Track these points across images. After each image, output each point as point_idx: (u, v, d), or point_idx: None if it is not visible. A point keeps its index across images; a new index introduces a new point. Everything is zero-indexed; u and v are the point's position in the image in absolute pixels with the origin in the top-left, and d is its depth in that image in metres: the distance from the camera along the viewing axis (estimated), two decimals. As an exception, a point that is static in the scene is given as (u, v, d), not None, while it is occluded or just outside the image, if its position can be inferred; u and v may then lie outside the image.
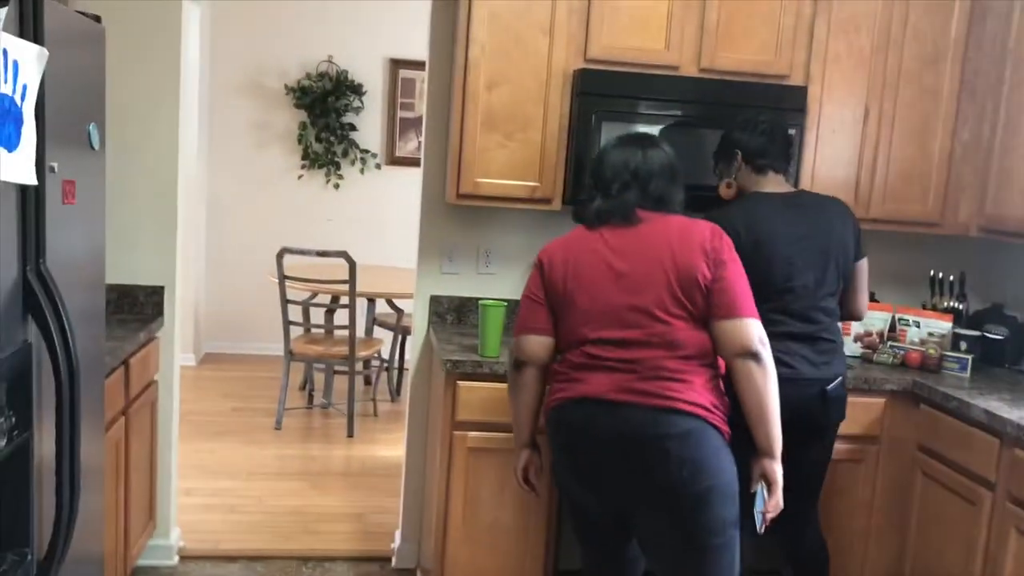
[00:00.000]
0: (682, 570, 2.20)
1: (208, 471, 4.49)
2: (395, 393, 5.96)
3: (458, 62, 3.04)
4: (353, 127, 6.77)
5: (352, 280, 4.98)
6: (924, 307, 3.39)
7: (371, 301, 5.75)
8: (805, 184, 3.15)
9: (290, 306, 5.21)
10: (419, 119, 6.71)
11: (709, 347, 2.18)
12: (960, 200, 3.24)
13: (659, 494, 2.13)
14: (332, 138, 6.73)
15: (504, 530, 2.89)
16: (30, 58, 1.62)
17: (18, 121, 1.59)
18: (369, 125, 6.83)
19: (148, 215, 3.25)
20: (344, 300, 5.25)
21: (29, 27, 1.68)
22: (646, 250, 2.21)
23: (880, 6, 3.13)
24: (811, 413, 2.64)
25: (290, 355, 5.22)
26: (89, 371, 1.97)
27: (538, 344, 2.33)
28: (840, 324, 2.76)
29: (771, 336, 2.55)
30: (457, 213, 3.35)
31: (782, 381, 2.54)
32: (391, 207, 6.74)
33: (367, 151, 6.82)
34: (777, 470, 2.21)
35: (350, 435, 5.18)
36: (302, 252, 5.06)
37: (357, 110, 6.77)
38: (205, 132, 6.57)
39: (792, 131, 3.01)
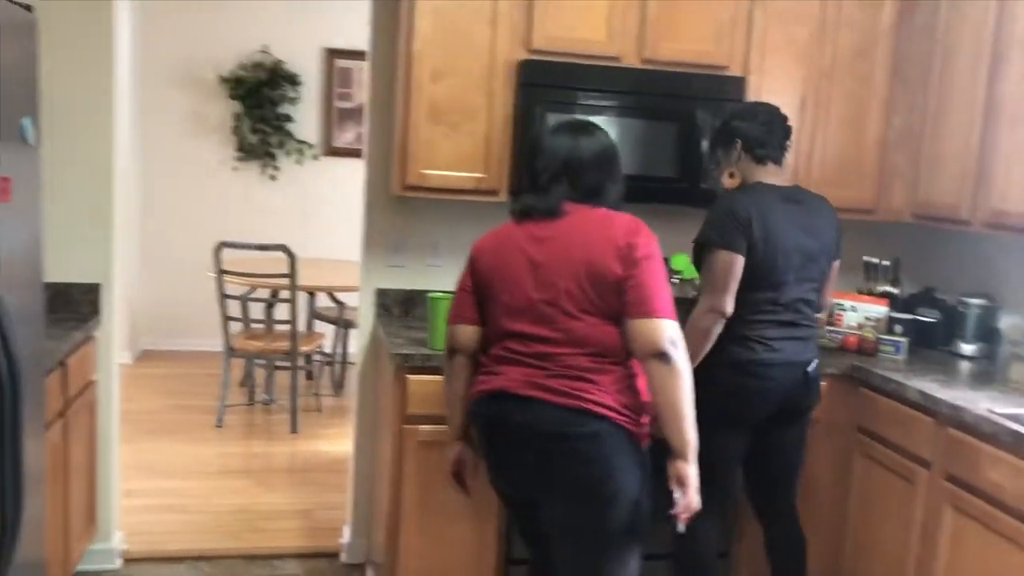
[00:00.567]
0: (578, 568, 2.21)
1: (149, 471, 4.39)
2: (338, 387, 5.91)
3: (401, 54, 3.02)
4: (289, 118, 6.67)
5: (292, 274, 4.92)
6: (860, 292, 3.48)
7: (312, 295, 5.69)
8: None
9: (229, 301, 5.11)
10: (357, 109, 6.65)
11: (620, 345, 2.15)
12: (894, 186, 3.34)
13: (561, 491, 2.16)
14: (268, 129, 6.63)
15: (456, 521, 2.89)
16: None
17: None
18: (305, 116, 6.74)
19: (83, 211, 3.16)
20: (284, 294, 5.18)
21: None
22: (563, 245, 2.19)
23: (815, -2, 3.20)
24: (797, 394, 2.74)
25: (230, 351, 5.13)
26: (29, 372, 1.92)
27: (467, 333, 2.34)
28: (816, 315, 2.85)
29: (761, 324, 2.64)
30: (403, 205, 3.33)
31: (772, 365, 2.65)
32: (330, 199, 6.67)
33: (304, 142, 6.73)
34: (690, 472, 2.16)
35: (293, 431, 5.12)
36: (240, 246, 4.98)
37: (293, 100, 6.67)
38: (137, 124, 6.40)
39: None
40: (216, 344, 5.36)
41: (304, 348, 5.21)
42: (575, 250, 2.17)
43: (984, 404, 2.59)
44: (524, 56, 3.02)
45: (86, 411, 3.10)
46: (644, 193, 3.19)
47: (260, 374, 5.75)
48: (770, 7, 3.17)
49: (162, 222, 6.62)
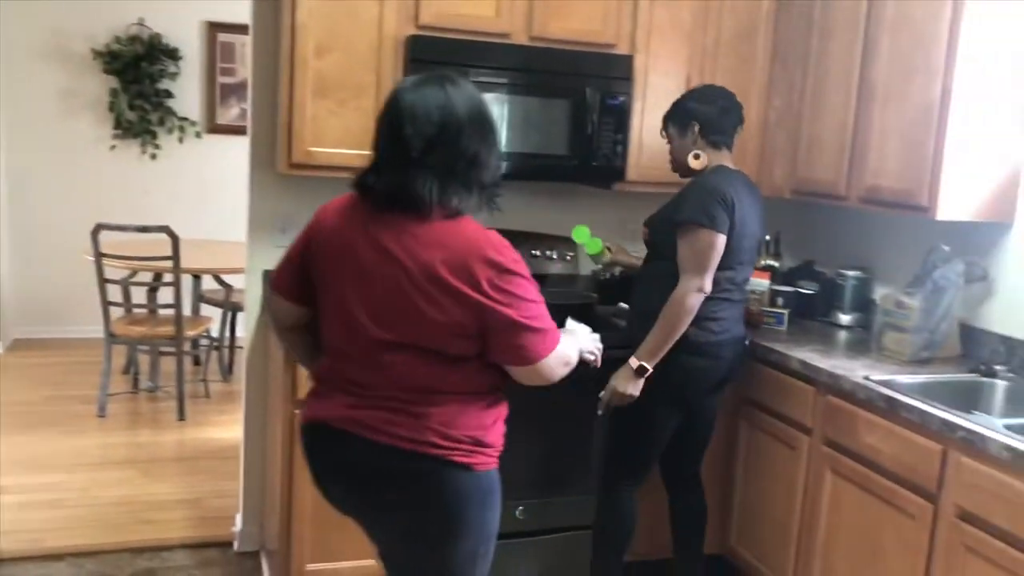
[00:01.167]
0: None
1: (24, 466, 4.19)
2: (227, 372, 5.74)
3: (284, 27, 2.93)
4: (169, 94, 6.42)
5: (176, 256, 4.74)
6: (744, 266, 3.59)
7: (196, 277, 5.52)
8: (633, 151, 3.25)
9: (109, 285, 4.91)
10: (240, 85, 6.45)
11: (474, 383, 1.87)
12: (775, 164, 3.44)
13: (390, 532, 1.97)
14: (147, 106, 6.37)
15: (351, 505, 2.86)
16: None
17: None
18: (187, 92, 6.50)
19: (-58, 192, 2.96)
20: (168, 277, 5.00)
21: None
22: (413, 266, 1.76)
23: (699, -22, 3.25)
24: (736, 368, 2.88)
25: (111, 337, 4.93)
26: None
27: (284, 310, 2.01)
28: None
29: (720, 302, 2.73)
30: (289, 183, 3.25)
31: (725, 344, 2.75)
32: (213, 177, 6.45)
33: (185, 119, 6.49)
34: (586, 335, 2.14)
35: (181, 418, 4.96)
36: (120, 228, 4.77)
37: (173, 76, 6.42)
38: (2, 101, 6.05)
39: (621, 99, 3.12)
40: (96, 331, 5.13)
41: (190, 332, 5.04)
42: (429, 277, 1.76)
43: (860, 372, 2.71)
44: (412, 31, 2.97)
45: (-48, 405, 2.92)
46: (536, 171, 3.21)
47: (144, 360, 5.54)
48: (656, -13, 3.21)
49: (34, 205, 6.28)
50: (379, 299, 1.80)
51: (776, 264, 3.60)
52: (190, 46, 6.47)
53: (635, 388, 2.68)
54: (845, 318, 3.41)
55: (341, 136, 2.95)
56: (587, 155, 3.17)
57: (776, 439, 3.01)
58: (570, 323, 2.19)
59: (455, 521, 1.88)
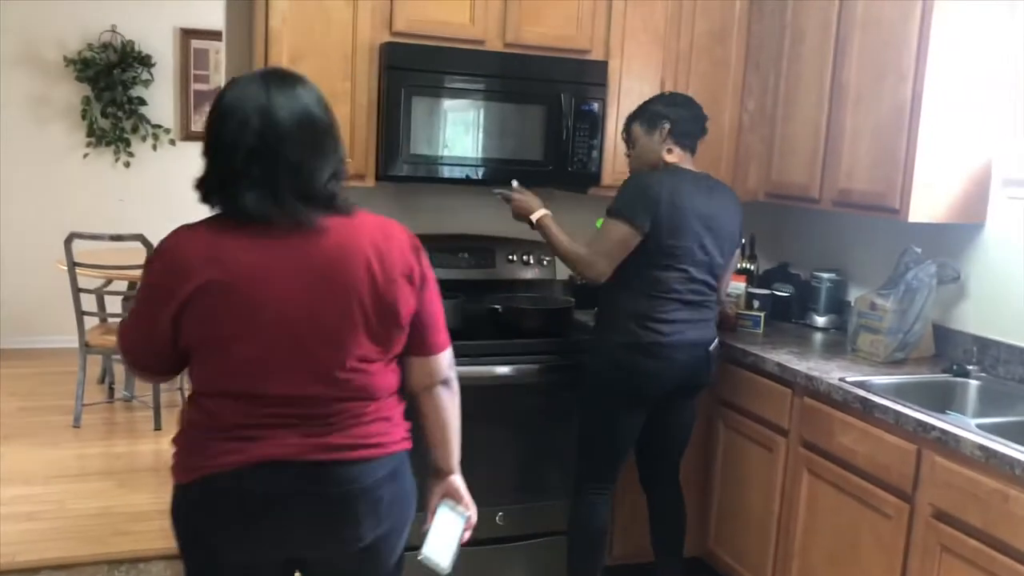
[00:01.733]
0: None
1: (-1, 478, 4.15)
2: (204, 380, 5.70)
3: (258, 34, 2.92)
4: (143, 101, 6.38)
5: (151, 265, 4.70)
6: (720, 269, 3.60)
7: (173, 286, 5.46)
8: (608, 156, 3.26)
9: (83, 295, 4.86)
10: (215, 92, 6.39)
11: (401, 382, 1.86)
12: (749, 168, 3.46)
13: (359, 549, 1.81)
14: (120, 113, 6.32)
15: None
16: None
17: None
18: (160, 99, 6.45)
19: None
20: (143, 286, 4.95)
21: None
22: (338, 276, 1.67)
23: (672, -17, 3.27)
24: (698, 372, 2.83)
25: (86, 347, 4.88)
26: None
27: (156, 378, 1.91)
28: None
29: (669, 302, 2.72)
30: (264, 192, 3.23)
31: (676, 347, 2.73)
32: (188, 185, 6.23)
33: (159, 126, 6.45)
34: (463, 485, 1.99)
35: (157, 428, 4.91)
36: (93, 237, 4.73)
37: (146, 83, 6.38)
38: (-29, 109, 5.99)
39: (596, 104, 3.13)
40: (70, 340, 5.08)
41: (166, 342, 5.00)
42: (356, 278, 1.68)
43: (836, 373, 2.73)
44: (387, 38, 2.97)
45: (-76, 418, 2.88)
46: (512, 176, 3.20)
47: (120, 370, 5.49)
48: (629, -8, 3.22)
49: (6, 214, 6.21)
50: (345, 312, 1.69)
51: (751, 267, 3.62)
52: (163, 53, 6.43)
53: (521, 208, 2.86)
54: (820, 320, 3.43)
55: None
56: (562, 160, 3.17)
57: (753, 441, 3.03)
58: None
59: (413, 502, 1.89)
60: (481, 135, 3.10)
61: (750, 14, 3.39)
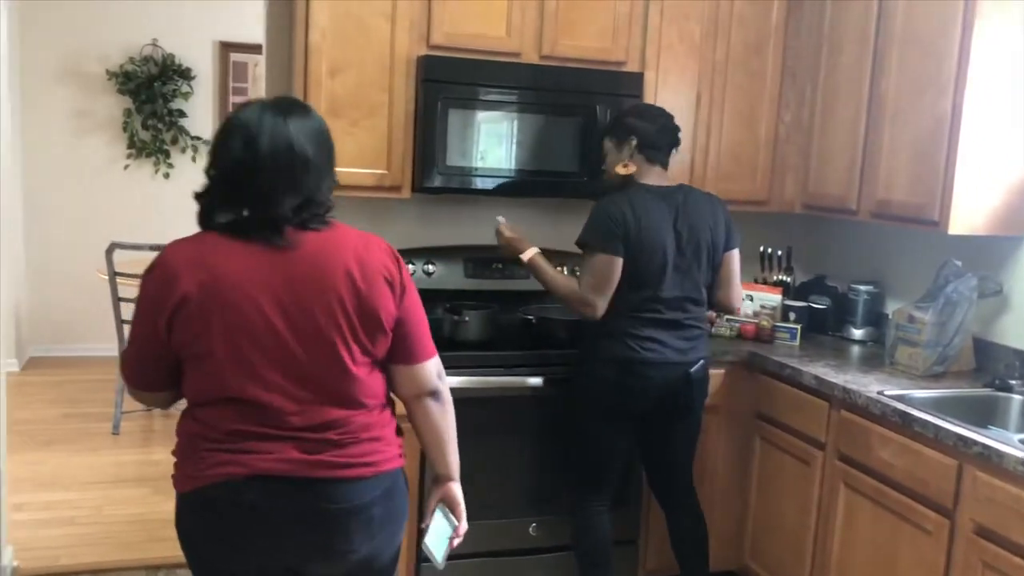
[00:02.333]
0: None
1: (40, 483, 4.21)
2: (240, 389, 5.76)
3: (298, 48, 2.96)
4: (182, 113, 6.47)
5: (190, 274, 4.76)
6: (756, 281, 3.59)
7: (210, 295, 5.53)
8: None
9: (123, 304, 4.93)
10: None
11: (387, 390, 1.91)
12: (786, 179, 3.45)
13: (351, 565, 1.84)
14: (160, 125, 6.42)
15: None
16: None
17: None
18: (200, 111, 6.55)
19: (-39, 213, 2.99)
20: (182, 295, 5.01)
21: None
22: (317, 284, 1.73)
23: (708, -5, 3.27)
24: (676, 394, 2.79)
25: (125, 355, 4.95)
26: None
27: (159, 400, 1.91)
28: (706, 312, 2.89)
29: (643, 322, 2.70)
30: (302, 203, 3.27)
31: (651, 364, 2.70)
32: (227, 197, 6.48)
33: (198, 138, 6.53)
34: (460, 491, 2.02)
35: (194, 435, 4.97)
36: (134, 246, 4.80)
37: (186, 95, 6.47)
38: (18, 123, 6.11)
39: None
40: (110, 349, 5.16)
41: (204, 350, 5.05)
42: (338, 286, 1.74)
43: (874, 387, 2.71)
44: (424, 52, 3.00)
45: (-30, 423, 2.94)
46: (546, 188, 3.23)
47: (158, 378, 5.56)
48: (665, 5, 3.23)
49: (49, 224, 6.33)
50: (330, 318, 1.74)
51: (788, 279, 3.60)
52: (203, 66, 6.53)
53: (511, 247, 2.92)
54: (858, 333, 3.40)
55: (354, 155, 2.97)
56: (597, 172, 3.17)
57: (789, 454, 3.00)
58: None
59: (404, 520, 1.93)
60: (516, 147, 3.12)
61: (787, 26, 3.38)
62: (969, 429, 2.32)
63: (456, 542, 2.02)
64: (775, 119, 3.42)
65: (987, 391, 2.77)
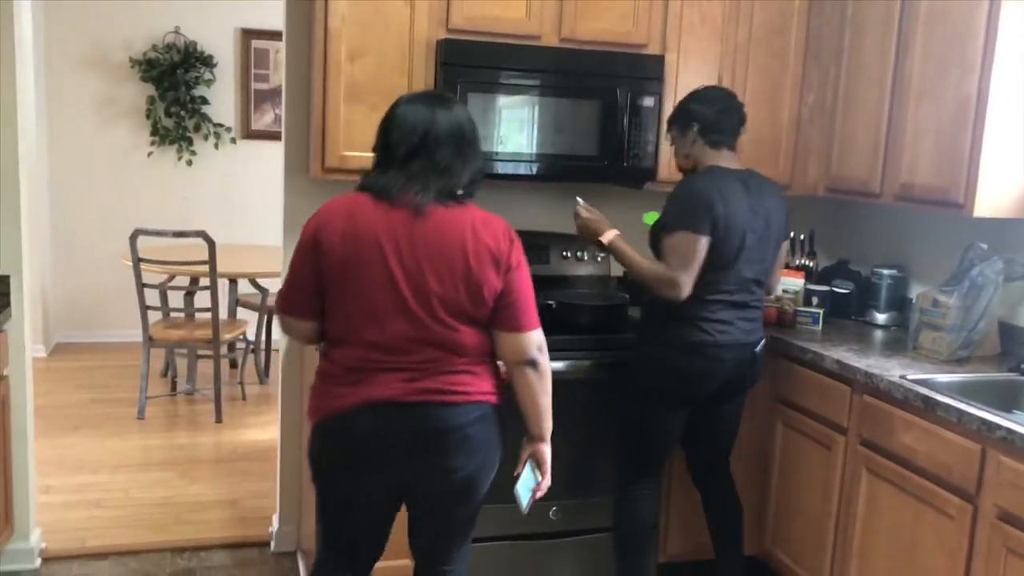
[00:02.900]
0: (449, 529, 2.26)
1: (68, 467, 4.27)
2: (263, 375, 5.82)
3: (317, 33, 2.96)
4: (205, 100, 6.51)
5: (212, 260, 4.81)
6: (778, 265, 3.56)
7: (233, 281, 5.58)
8: (664, 151, 3.24)
9: (147, 290, 4.99)
10: (275, 91, 6.52)
11: (491, 350, 2.16)
12: (808, 162, 3.42)
13: (452, 478, 2.12)
14: (183, 112, 6.45)
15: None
16: None
17: None
18: (222, 98, 6.58)
19: (-13, 200, 3.03)
20: (204, 281, 5.06)
21: None
22: (436, 250, 2.04)
23: (730, -24, 3.24)
24: (743, 372, 2.82)
25: (150, 341, 5.01)
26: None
27: (304, 330, 2.19)
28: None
29: (715, 305, 2.71)
30: (323, 188, 3.28)
31: (724, 347, 2.71)
32: (249, 183, 6.54)
33: (221, 125, 6.58)
34: (549, 452, 2.27)
35: (218, 420, 5.03)
36: (157, 233, 4.85)
37: (208, 83, 6.50)
38: (43, 110, 6.17)
39: (652, 99, 3.12)
40: (135, 335, 5.22)
41: (227, 336, 5.11)
42: (452, 255, 2.04)
43: (897, 371, 2.69)
44: (443, 35, 2.99)
45: (-2, 407, 2.99)
46: (567, 172, 3.22)
47: (182, 364, 5.63)
48: (686, -14, 3.20)
49: (74, 211, 6.40)
50: (440, 279, 2.04)
51: (810, 263, 3.57)
52: (225, 53, 6.56)
53: (589, 229, 2.85)
54: (881, 317, 3.37)
55: (372, 140, 2.96)
56: (618, 156, 3.17)
57: (811, 439, 2.99)
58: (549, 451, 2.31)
59: (499, 450, 2.19)
60: (536, 131, 3.11)
61: (809, 7, 3.34)
62: (993, 413, 2.29)
63: (539, 494, 2.29)
64: (798, 101, 3.38)
65: (1012, 376, 2.74)
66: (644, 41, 3.19)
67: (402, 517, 2.30)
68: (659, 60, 3.18)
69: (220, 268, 4.88)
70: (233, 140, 6.63)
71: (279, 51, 6.44)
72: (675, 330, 2.73)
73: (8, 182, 3.05)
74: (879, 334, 3.27)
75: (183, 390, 5.54)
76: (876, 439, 2.68)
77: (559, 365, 2.93)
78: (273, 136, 6.42)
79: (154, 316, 5.07)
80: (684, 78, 3.24)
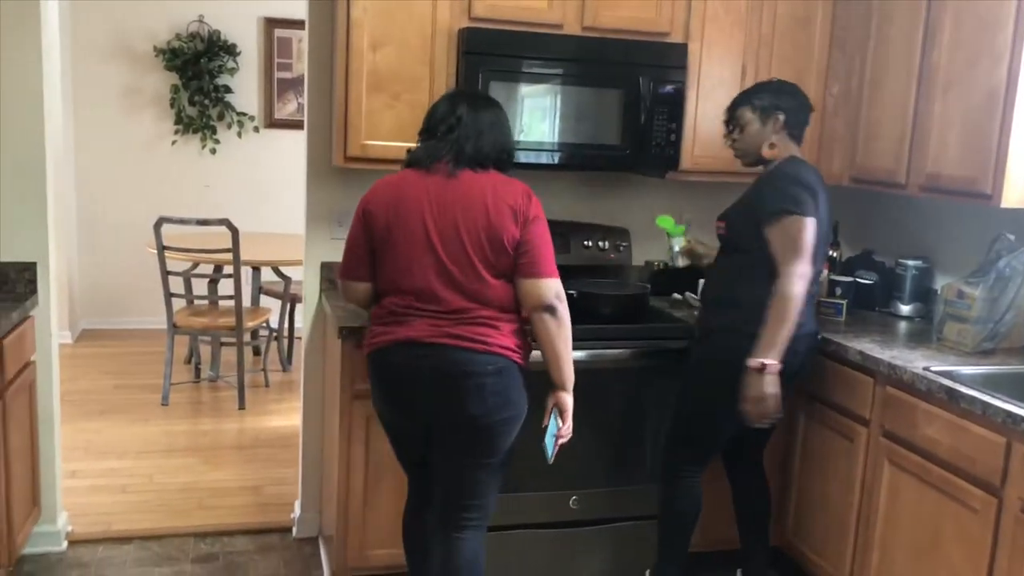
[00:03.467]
0: (462, 477, 2.45)
1: (93, 452, 4.33)
2: (286, 362, 5.86)
3: (340, 22, 2.97)
4: (228, 89, 6.54)
5: (236, 248, 4.84)
6: (801, 256, 3.53)
7: (256, 269, 5.62)
8: (687, 140, 3.23)
9: (171, 277, 5.03)
10: (297, 80, 6.54)
11: (513, 300, 2.38)
12: (833, 152, 3.39)
13: (466, 420, 2.35)
14: (206, 101, 6.49)
15: (405, 495, 2.89)
16: None
17: None
18: (245, 87, 6.61)
19: (15, 189, 3.06)
20: (228, 269, 5.10)
21: None
22: (462, 206, 2.33)
23: (754, -36, 3.21)
24: (807, 362, 2.86)
25: (174, 328, 5.05)
26: (-37, 355, 1.86)
27: (361, 291, 2.50)
28: None
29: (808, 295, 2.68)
30: (345, 176, 3.29)
31: (800, 337, 2.68)
32: (272, 171, 6.57)
33: (244, 114, 6.61)
34: (570, 400, 2.44)
35: (241, 407, 5.07)
36: (181, 221, 4.89)
37: (232, 71, 6.54)
38: (70, 99, 6.23)
39: (675, 88, 3.11)
40: (159, 321, 5.27)
41: (250, 323, 5.14)
42: (475, 210, 2.33)
43: (921, 363, 2.66)
44: (466, 24, 2.99)
45: (25, 392, 3.03)
46: (589, 161, 3.21)
47: (205, 351, 5.68)
48: (710, -26, 3.17)
49: (99, 199, 6.47)
50: (468, 232, 2.32)
51: (834, 254, 3.55)
52: (248, 42, 6.58)
53: (770, 386, 2.61)
54: (905, 308, 3.34)
55: (395, 129, 2.98)
56: (640, 145, 3.15)
57: (833, 431, 2.98)
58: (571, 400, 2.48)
59: (518, 408, 2.39)
60: (558, 119, 3.10)
61: (835, -5, 3.31)
62: (1018, 406, 2.27)
63: (561, 442, 2.46)
64: (822, 91, 3.35)
65: (1038, 368, 2.71)
66: (667, 29, 3.17)
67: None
68: (682, 49, 3.16)
69: (243, 256, 4.91)
70: (256, 129, 6.66)
71: (302, 40, 6.44)
72: (759, 320, 2.64)
73: (34, 170, 3.08)
74: (903, 325, 3.24)
75: (206, 377, 5.59)
76: (899, 431, 2.66)
77: (580, 355, 2.93)
78: (296, 125, 6.45)
79: (178, 303, 5.11)
80: (707, 67, 3.22)
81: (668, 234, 3.23)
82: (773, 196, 2.68)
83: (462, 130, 2.39)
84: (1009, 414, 2.25)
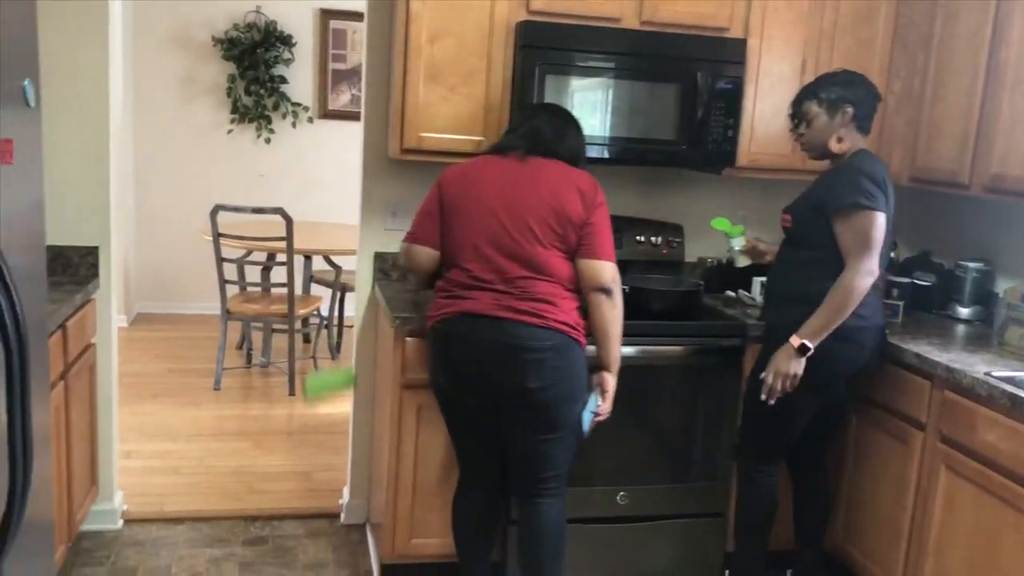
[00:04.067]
0: (532, 452, 2.55)
1: (147, 433, 4.42)
2: (335, 350, 5.92)
3: (399, 15, 2.99)
4: (284, 79, 6.62)
5: (289, 237, 4.90)
6: (857, 256, 3.48)
7: (307, 258, 5.68)
8: (744, 137, 3.20)
9: (225, 264, 5.11)
10: (351, 71, 6.60)
11: (574, 278, 2.50)
12: (893, 150, 3.33)
13: (528, 394, 2.43)
14: (262, 91, 6.57)
15: (455, 484, 2.91)
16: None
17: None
18: (300, 77, 6.69)
19: (79, 174, 3.13)
20: (280, 257, 5.17)
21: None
22: (532, 183, 2.48)
23: (817, -41, 3.16)
24: (875, 358, 2.84)
25: (227, 314, 5.14)
26: (33, 334, 1.91)
27: (425, 256, 2.60)
28: None
29: (871, 289, 2.66)
30: (401, 168, 3.32)
31: (868, 331, 2.71)
32: (325, 162, 6.64)
33: (299, 104, 6.68)
34: (613, 382, 2.56)
35: (291, 393, 5.14)
36: (236, 209, 4.96)
37: (287, 62, 6.61)
38: (130, 87, 6.35)
39: (733, 83, 3.08)
40: (212, 307, 5.36)
41: (301, 311, 5.21)
42: (543, 189, 2.47)
43: (980, 367, 2.61)
44: (523, 17, 2.99)
45: (86, 373, 3.10)
46: (643, 156, 3.20)
47: (257, 337, 5.76)
48: (771, -32, 3.14)
49: (157, 185, 6.59)
50: (533, 209, 2.46)
51: (892, 255, 3.48)
52: (304, 33, 6.65)
53: (797, 367, 2.65)
54: (964, 311, 3.28)
55: (451, 122, 2.99)
56: (696, 140, 3.13)
57: (888, 434, 2.93)
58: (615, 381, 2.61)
59: (576, 385, 2.49)
60: (613, 114, 3.09)
61: (900, -9, 3.25)
62: (1084, 414, 2.22)
63: (599, 418, 2.58)
64: (884, 89, 3.29)
65: (1104, 376, 2.64)
66: (726, 24, 3.14)
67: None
68: (741, 44, 3.13)
69: (296, 245, 4.97)
70: (310, 119, 6.74)
71: (356, 31, 6.52)
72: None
73: (99, 157, 3.15)
74: (961, 329, 3.18)
75: (258, 363, 5.67)
76: (957, 436, 2.61)
77: (631, 351, 2.93)
78: (349, 116, 6.51)
79: (231, 290, 5.20)
80: (766, 63, 3.18)
81: (727, 235, 3.19)
82: (845, 190, 2.64)
83: (538, 126, 2.58)
84: (1074, 422, 2.20)
